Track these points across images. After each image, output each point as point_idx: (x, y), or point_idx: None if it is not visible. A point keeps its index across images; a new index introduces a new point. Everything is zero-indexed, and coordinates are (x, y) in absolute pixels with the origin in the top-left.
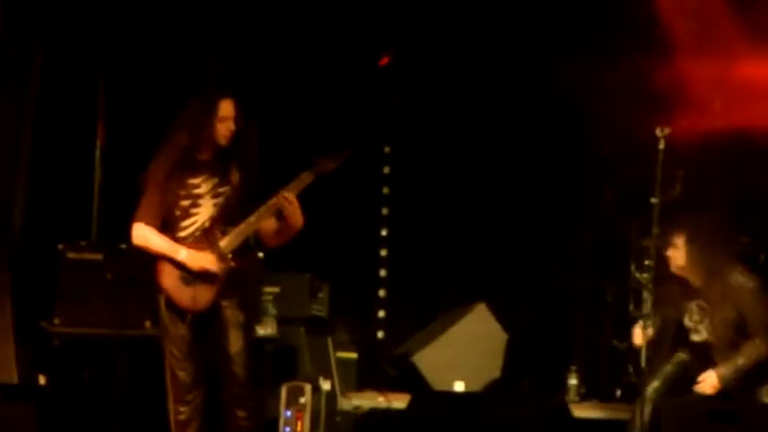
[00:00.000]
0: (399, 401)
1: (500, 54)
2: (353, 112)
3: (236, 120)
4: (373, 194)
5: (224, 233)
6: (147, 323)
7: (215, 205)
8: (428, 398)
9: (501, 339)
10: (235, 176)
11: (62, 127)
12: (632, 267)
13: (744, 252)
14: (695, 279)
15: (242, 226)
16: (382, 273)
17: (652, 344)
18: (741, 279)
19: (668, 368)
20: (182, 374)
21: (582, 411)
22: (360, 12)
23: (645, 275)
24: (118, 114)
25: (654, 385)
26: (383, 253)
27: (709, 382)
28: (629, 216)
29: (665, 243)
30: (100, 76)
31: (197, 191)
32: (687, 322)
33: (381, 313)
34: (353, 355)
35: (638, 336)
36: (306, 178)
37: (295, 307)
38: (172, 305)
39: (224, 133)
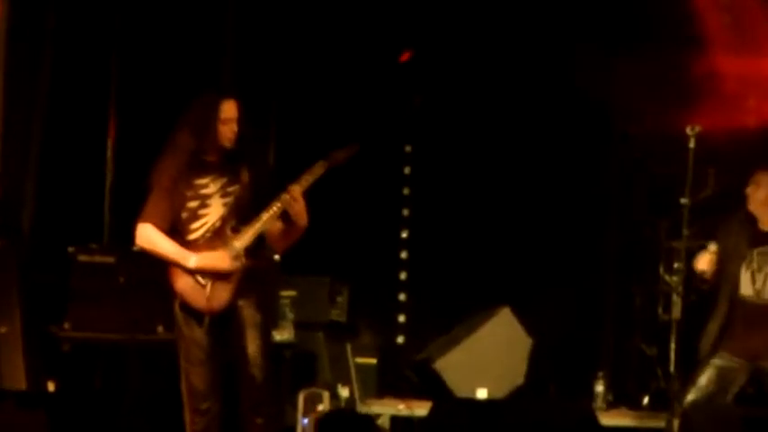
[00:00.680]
0: (420, 409)
1: (525, 51)
2: (374, 110)
3: (240, 121)
4: (394, 195)
5: (236, 231)
6: (160, 328)
7: (225, 205)
8: (450, 405)
9: (525, 345)
10: (245, 176)
11: (73, 125)
12: (661, 270)
13: None
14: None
15: (255, 224)
16: (403, 276)
17: (713, 273)
18: None
19: (704, 379)
20: (197, 381)
21: (609, 419)
22: (381, 8)
23: (675, 278)
24: (130, 112)
25: (689, 399)
26: (404, 255)
27: None
28: (659, 217)
29: (746, 182)
30: (112, 74)
31: (205, 191)
32: (744, 271)
33: (402, 318)
34: (373, 361)
35: (705, 260)
36: (318, 169)
37: (313, 311)
38: (187, 308)
39: (228, 135)
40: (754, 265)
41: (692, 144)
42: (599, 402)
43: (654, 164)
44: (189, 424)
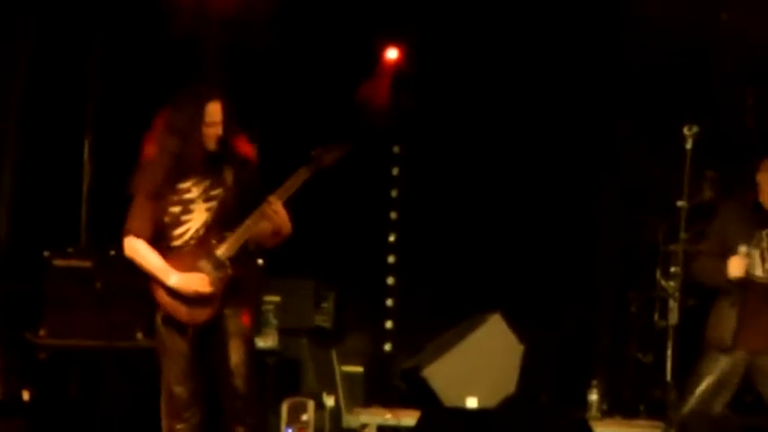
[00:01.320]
0: (408, 418)
1: (517, 49)
2: (360, 108)
3: (225, 123)
4: (381, 197)
5: (220, 240)
6: (139, 334)
7: (208, 210)
8: (439, 415)
9: (517, 352)
10: (228, 177)
11: (49, 125)
12: (658, 274)
13: None
14: None
15: (239, 231)
16: (390, 281)
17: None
18: None
19: (702, 388)
20: (179, 390)
21: (604, 429)
22: (370, 4)
23: (672, 283)
24: (108, 111)
25: (686, 409)
26: (391, 260)
27: None
28: (655, 220)
29: (756, 169)
30: (90, 73)
31: (187, 195)
32: (753, 252)
33: (389, 324)
34: (360, 369)
35: (739, 265)
36: (302, 175)
37: (298, 317)
38: (170, 320)
39: (212, 137)
40: (764, 245)
41: (689, 145)
42: (593, 412)
43: (650, 165)
44: (168, 431)
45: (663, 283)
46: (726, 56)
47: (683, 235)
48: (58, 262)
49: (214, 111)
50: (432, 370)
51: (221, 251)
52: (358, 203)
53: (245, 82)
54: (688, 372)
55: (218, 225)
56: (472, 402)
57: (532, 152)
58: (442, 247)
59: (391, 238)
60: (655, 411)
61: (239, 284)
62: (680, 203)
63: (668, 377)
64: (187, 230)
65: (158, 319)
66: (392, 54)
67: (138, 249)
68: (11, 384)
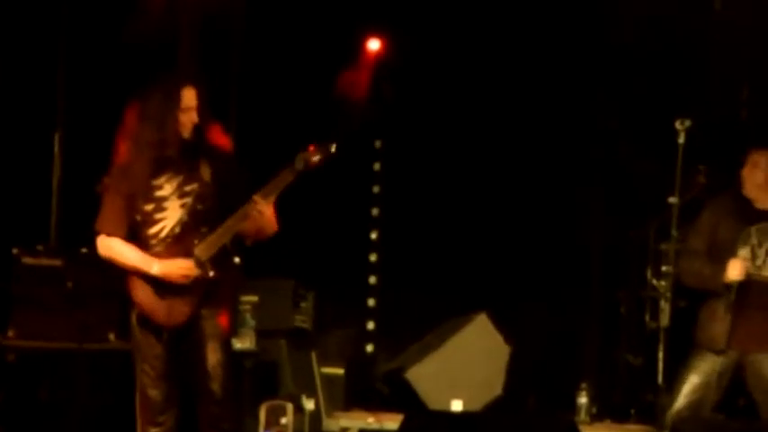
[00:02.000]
0: (391, 422)
1: (503, 41)
2: (341, 101)
3: (199, 110)
4: (362, 193)
5: (200, 239)
6: (112, 335)
7: (183, 206)
8: (423, 418)
9: (503, 353)
10: (205, 172)
11: (17, 118)
12: (649, 274)
13: None
14: (764, 199)
15: (220, 230)
16: (372, 280)
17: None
18: None
19: (695, 382)
20: (154, 394)
21: None
22: None
23: (663, 283)
24: (79, 104)
25: (677, 407)
26: (373, 258)
27: None
28: (646, 217)
29: (740, 163)
30: (58, 66)
31: (160, 192)
32: (743, 249)
33: (371, 324)
34: (340, 371)
35: (739, 269)
36: (286, 177)
37: (276, 317)
38: (145, 321)
39: (187, 125)
40: (754, 241)
41: (681, 139)
42: (582, 415)
43: (641, 160)
44: None
45: (654, 282)
46: (719, 47)
47: (674, 233)
48: (27, 260)
49: (189, 96)
50: (415, 372)
51: (200, 251)
52: (338, 200)
53: (220, 73)
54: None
55: (195, 223)
56: (457, 405)
57: (519, 147)
58: (426, 245)
59: (373, 236)
60: (646, 415)
61: (217, 285)
62: (671, 200)
63: (659, 380)
64: (162, 229)
65: (133, 320)
66: (374, 45)
67: (112, 246)
68: None
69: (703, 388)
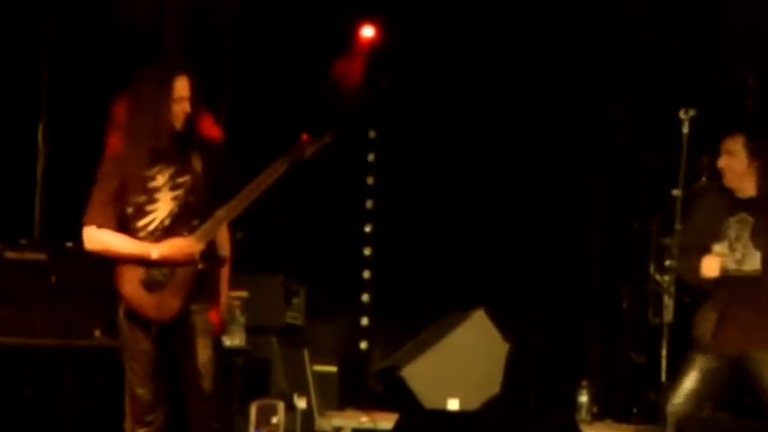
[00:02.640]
0: (385, 422)
1: (502, 27)
2: (334, 90)
3: (192, 99)
4: (356, 185)
5: (190, 231)
6: (98, 332)
7: (174, 198)
8: (418, 418)
9: (502, 350)
10: (197, 163)
11: None
12: (652, 269)
13: None
14: (749, 187)
15: (211, 222)
16: (366, 274)
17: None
18: None
19: (691, 380)
20: (142, 392)
21: None
22: None
23: (666, 278)
24: (63, 93)
25: (675, 402)
26: (367, 252)
27: None
28: (648, 211)
29: (717, 153)
30: (43, 50)
31: (152, 184)
32: (716, 246)
33: (365, 321)
34: (333, 369)
35: (714, 265)
36: (280, 166)
37: (267, 314)
38: (133, 315)
39: (180, 115)
40: (732, 234)
41: (685, 129)
42: (583, 414)
43: (644, 151)
44: None
45: (657, 277)
46: (725, 35)
47: (678, 226)
48: (10, 254)
49: (182, 85)
50: (410, 370)
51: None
52: (331, 192)
53: (210, 61)
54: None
55: (186, 215)
56: (454, 404)
57: (518, 137)
58: (422, 239)
59: (367, 229)
60: (648, 414)
61: (207, 279)
62: (675, 192)
63: (663, 378)
64: (152, 221)
65: (121, 314)
66: (368, 32)
67: (102, 238)
68: None
69: (699, 388)
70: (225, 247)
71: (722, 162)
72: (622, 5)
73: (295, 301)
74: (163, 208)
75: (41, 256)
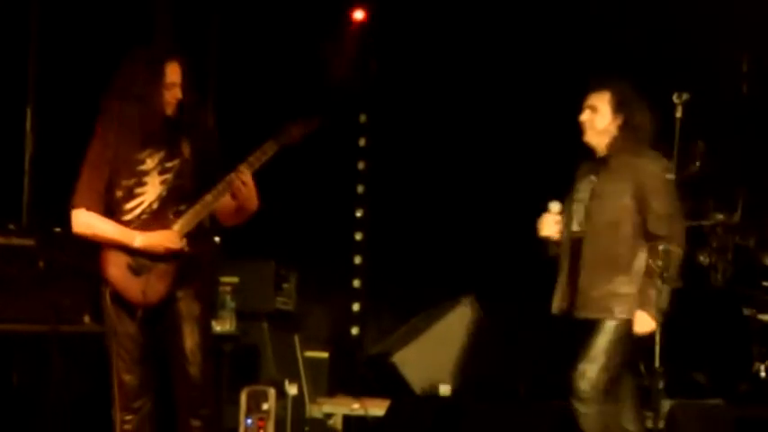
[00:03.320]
0: (377, 408)
1: (493, 11)
2: (325, 74)
3: (183, 85)
4: (347, 170)
5: (177, 215)
6: (86, 318)
7: (163, 182)
8: (410, 404)
9: (492, 337)
10: (186, 148)
11: None
12: None
13: None
14: (604, 146)
15: (197, 206)
16: (357, 260)
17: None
18: (654, 164)
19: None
20: (129, 378)
21: None
22: None
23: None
24: (52, 77)
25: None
26: (358, 237)
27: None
28: None
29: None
30: (31, 33)
31: (142, 167)
32: (552, 205)
33: (356, 306)
34: (324, 355)
35: (548, 224)
36: (269, 149)
37: (257, 299)
38: (119, 299)
39: (171, 101)
40: (580, 196)
41: (678, 113)
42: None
43: None
44: (119, 424)
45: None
46: (719, 18)
47: None
48: None
49: (173, 71)
50: (402, 356)
51: (178, 227)
52: (322, 176)
53: (198, 45)
54: (677, 358)
55: (173, 199)
56: (445, 390)
57: (509, 120)
58: (413, 224)
59: (358, 214)
60: (642, 400)
61: (195, 264)
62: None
63: (656, 364)
64: (139, 204)
65: (107, 297)
66: (358, 14)
67: (89, 222)
68: None
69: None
70: (253, 201)
71: (584, 117)
72: None
73: (286, 286)
74: (151, 191)
75: (30, 242)
